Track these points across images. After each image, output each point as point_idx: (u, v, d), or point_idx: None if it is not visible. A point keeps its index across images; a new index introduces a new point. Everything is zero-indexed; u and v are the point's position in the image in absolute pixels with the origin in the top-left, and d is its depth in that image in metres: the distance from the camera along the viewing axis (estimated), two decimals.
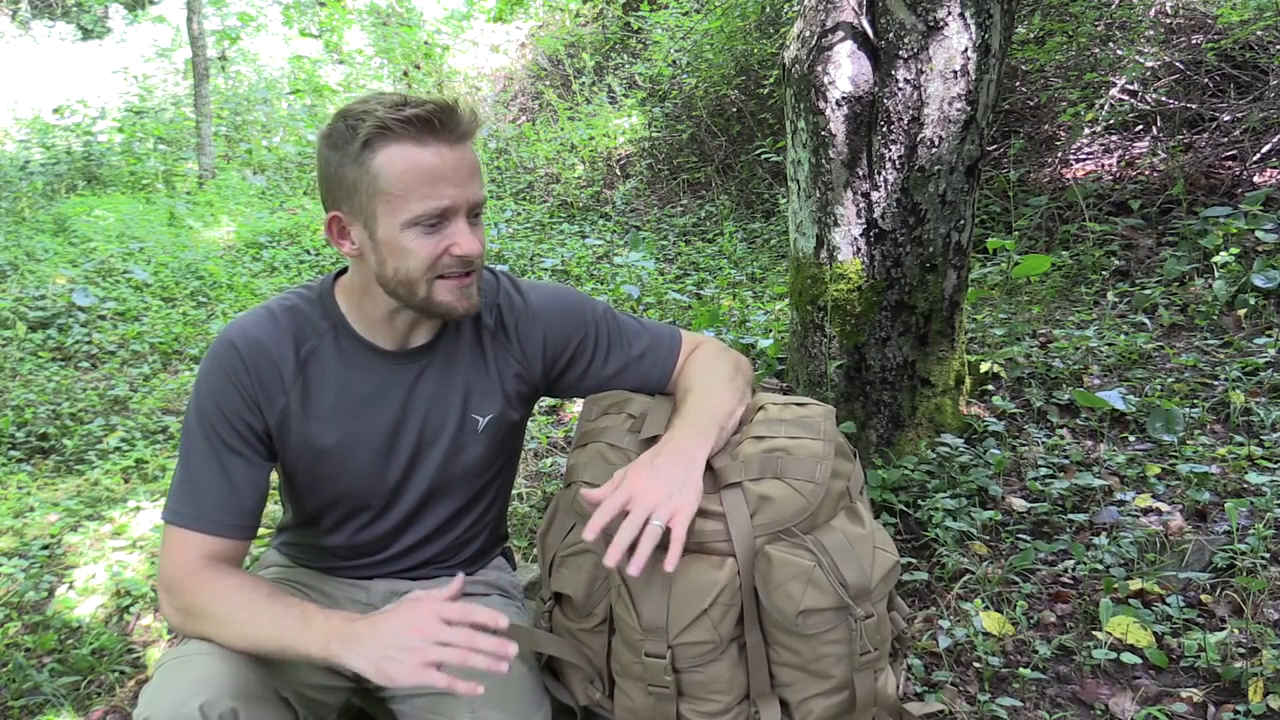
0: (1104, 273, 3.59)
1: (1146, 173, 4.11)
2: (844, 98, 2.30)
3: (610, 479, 1.22)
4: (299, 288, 1.39)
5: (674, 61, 6.61)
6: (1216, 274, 3.27)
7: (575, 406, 3.32)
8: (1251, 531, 2.07)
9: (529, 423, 1.53)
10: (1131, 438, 2.55)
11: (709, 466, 1.25)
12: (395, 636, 1.11)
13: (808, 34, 2.35)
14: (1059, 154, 4.39)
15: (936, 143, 2.28)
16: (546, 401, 3.31)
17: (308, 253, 5.64)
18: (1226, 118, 4.02)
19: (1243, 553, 2.01)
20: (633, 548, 1.15)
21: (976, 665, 1.88)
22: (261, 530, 1.37)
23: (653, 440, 1.31)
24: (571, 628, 1.33)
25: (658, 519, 1.16)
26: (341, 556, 1.47)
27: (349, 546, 1.45)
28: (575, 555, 1.31)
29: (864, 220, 2.37)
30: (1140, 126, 4.36)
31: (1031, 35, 4.64)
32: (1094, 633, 1.91)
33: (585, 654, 1.31)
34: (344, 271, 1.37)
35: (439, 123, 1.20)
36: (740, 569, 1.19)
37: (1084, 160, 4.39)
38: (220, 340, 1.31)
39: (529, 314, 1.43)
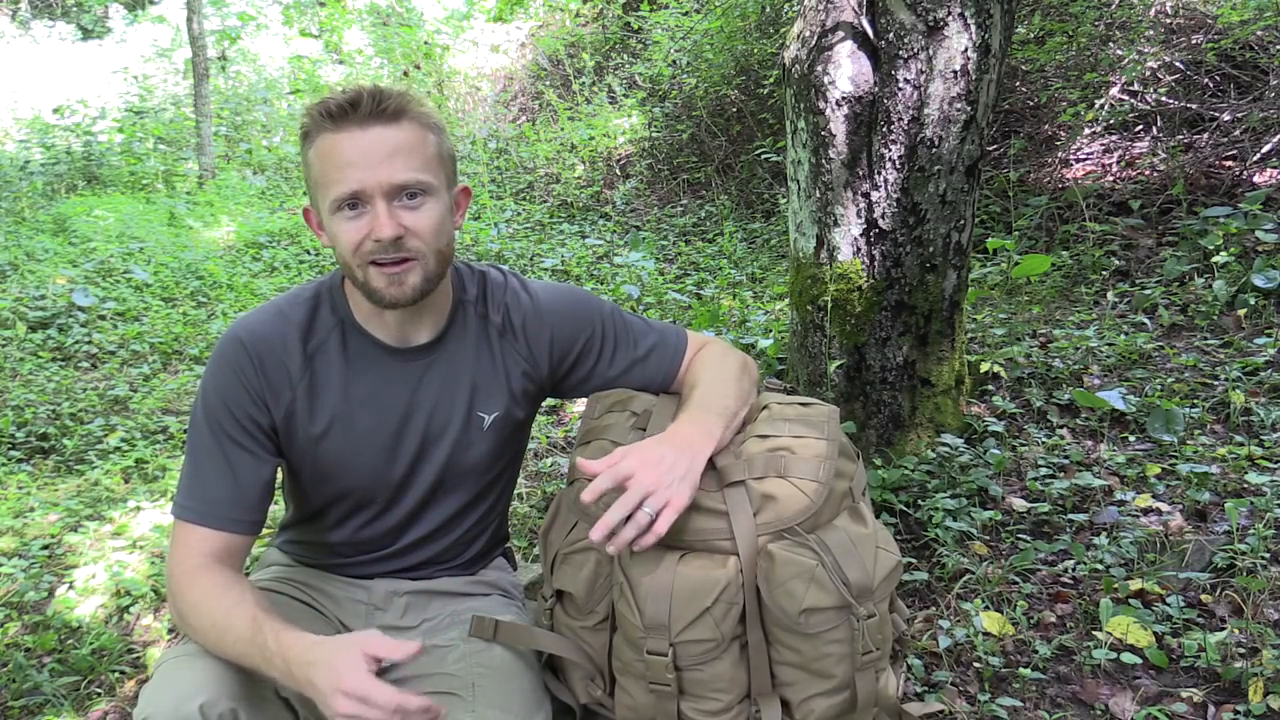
0: (1104, 273, 3.59)
1: (1146, 173, 4.11)
2: (844, 98, 2.30)
3: (611, 454, 1.22)
4: (309, 283, 1.41)
5: (674, 61, 6.61)
6: (1216, 274, 3.27)
7: (575, 407, 3.32)
8: (1251, 531, 2.07)
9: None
10: (1131, 438, 2.55)
11: (712, 464, 1.26)
12: (326, 697, 1.08)
13: (808, 34, 2.36)
14: (1059, 154, 4.40)
15: (936, 143, 2.28)
16: (547, 401, 3.31)
17: (308, 253, 5.65)
18: (1226, 118, 4.02)
19: (1243, 553, 2.01)
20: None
21: (976, 665, 1.88)
22: (264, 530, 1.38)
23: None
24: (573, 625, 1.33)
25: (649, 506, 1.16)
26: (343, 554, 1.47)
27: (351, 543, 1.45)
28: (577, 553, 1.31)
29: (864, 220, 2.37)
30: (1140, 126, 4.36)
31: (1031, 35, 4.64)
32: (1094, 633, 1.91)
33: (586, 652, 1.31)
34: None
35: (343, 109, 1.23)
36: (743, 567, 1.19)
37: (1084, 160, 4.40)
38: (227, 337, 1.32)
39: (536, 313, 1.43)
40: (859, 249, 2.39)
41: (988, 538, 2.26)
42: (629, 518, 1.16)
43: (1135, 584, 1.99)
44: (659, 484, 1.17)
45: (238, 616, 1.17)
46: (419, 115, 1.27)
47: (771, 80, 5.52)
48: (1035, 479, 2.40)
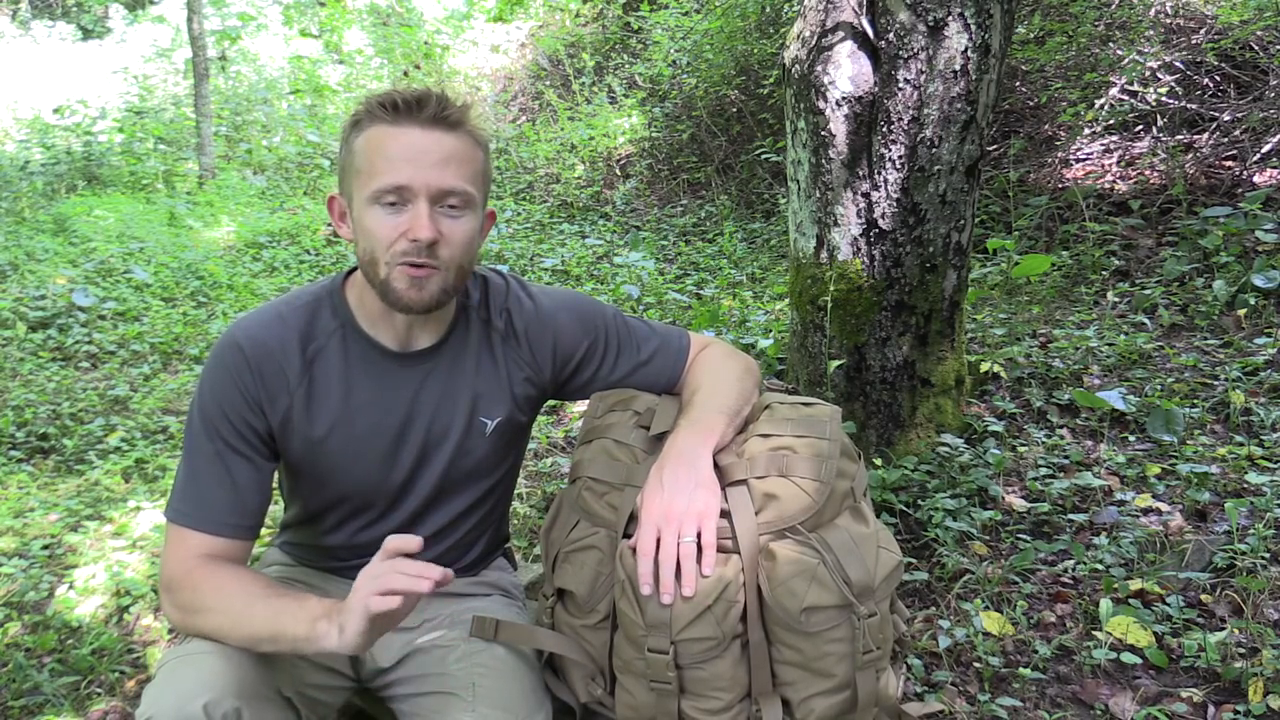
0: (1104, 273, 3.59)
1: (1146, 173, 4.12)
2: (844, 98, 2.31)
3: (638, 524, 1.23)
4: (309, 285, 1.39)
5: (674, 61, 6.62)
6: (1216, 274, 3.27)
7: (575, 407, 3.33)
8: (1251, 531, 2.07)
9: None
10: (1131, 438, 2.55)
11: (715, 463, 1.26)
12: (363, 581, 1.10)
13: (808, 34, 2.36)
14: (1059, 154, 4.40)
15: (936, 143, 2.29)
16: (548, 402, 3.32)
17: (308, 253, 5.64)
18: (1226, 118, 4.02)
19: (1243, 553, 2.01)
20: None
21: (976, 665, 1.88)
22: (263, 530, 1.38)
23: (662, 437, 1.32)
24: (574, 624, 1.33)
25: (687, 536, 1.18)
26: (342, 557, 1.47)
27: (349, 546, 1.45)
28: (578, 551, 1.31)
29: (864, 220, 2.37)
30: (1140, 126, 4.36)
31: (1031, 35, 4.65)
32: (1094, 633, 1.91)
33: (587, 650, 1.31)
34: (355, 270, 1.38)
35: (409, 105, 1.23)
36: (744, 566, 1.19)
37: (1084, 160, 4.40)
38: (225, 341, 1.31)
39: (539, 318, 1.43)
40: (859, 249, 2.39)
41: (988, 538, 2.26)
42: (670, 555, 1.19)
43: (1135, 584, 1.99)
44: (679, 514, 1.19)
45: (276, 590, 1.19)
46: (474, 130, 1.28)
47: (771, 80, 5.52)
48: (1035, 479, 2.40)
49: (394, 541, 1.13)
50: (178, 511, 1.28)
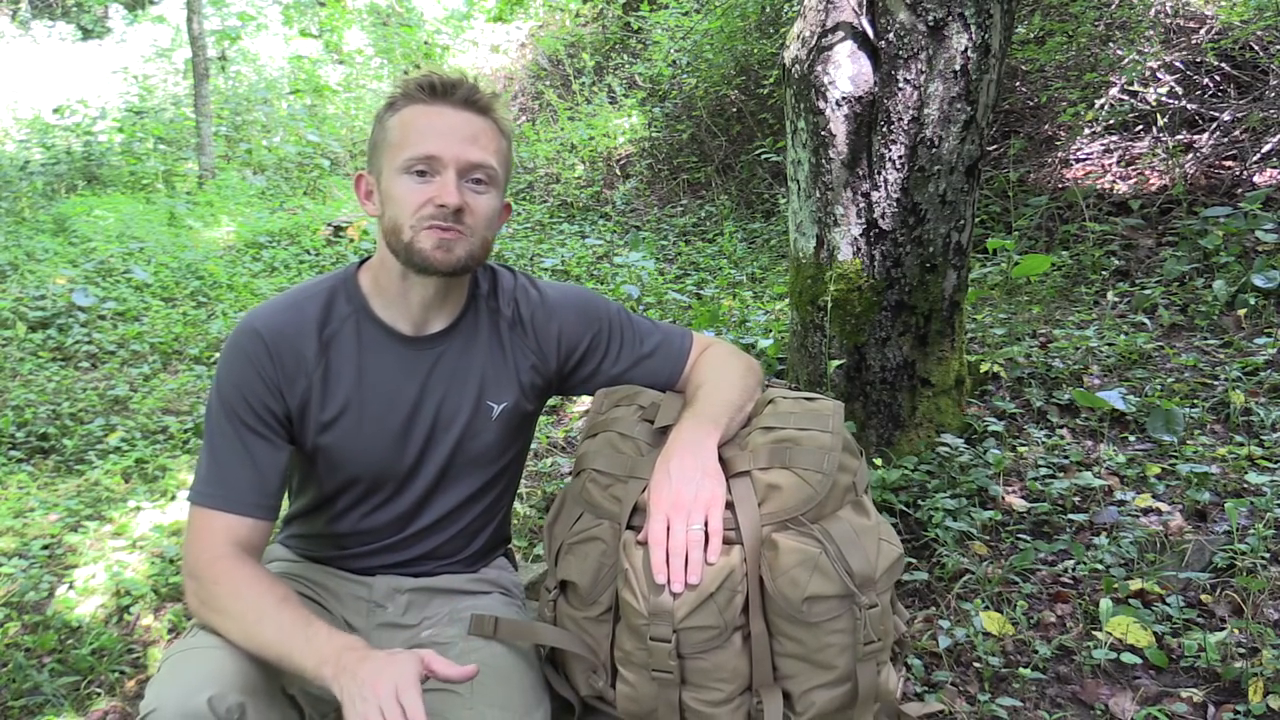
0: (1104, 273, 3.59)
1: (1146, 173, 4.12)
2: (844, 98, 2.31)
3: (648, 514, 1.24)
4: (321, 276, 1.43)
5: (674, 61, 6.62)
6: (1216, 274, 3.27)
7: (576, 406, 3.33)
8: (1251, 531, 2.07)
9: None
10: (1131, 438, 2.55)
11: (719, 456, 1.27)
12: (362, 685, 1.09)
13: (808, 34, 2.36)
14: (1059, 154, 4.40)
15: (936, 143, 2.29)
16: (548, 401, 3.32)
17: (308, 253, 5.65)
18: (1226, 118, 4.02)
19: (1243, 553, 2.01)
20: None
21: (976, 665, 1.88)
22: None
23: (666, 431, 1.33)
24: (576, 616, 1.33)
25: (694, 524, 1.19)
26: (347, 545, 1.47)
27: (356, 533, 1.46)
28: (581, 543, 1.32)
29: (864, 220, 2.37)
30: (1140, 126, 4.36)
31: (1031, 35, 4.65)
32: (1094, 633, 1.91)
33: (588, 644, 1.32)
34: (368, 259, 1.42)
35: (445, 87, 1.32)
36: (746, 556, 1.20)
37: (1084, 160, 4.40)
38: (242, 328, 1.34)
39: (545, 309, 1.47)
40: (859, 249, 2.39)
41: (988, 538, 2.26)
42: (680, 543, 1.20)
43: (1135, 584, 1.99)
44: (686, 503, 1.20)
45: (288, 608, 1.20)
46: (502, 119, 1.36)
47: (771, 80, 5.52)
48: (1035, 479, 2.40)
49: (430, 660, 1.13)
50: (201, 494, 1.30)
